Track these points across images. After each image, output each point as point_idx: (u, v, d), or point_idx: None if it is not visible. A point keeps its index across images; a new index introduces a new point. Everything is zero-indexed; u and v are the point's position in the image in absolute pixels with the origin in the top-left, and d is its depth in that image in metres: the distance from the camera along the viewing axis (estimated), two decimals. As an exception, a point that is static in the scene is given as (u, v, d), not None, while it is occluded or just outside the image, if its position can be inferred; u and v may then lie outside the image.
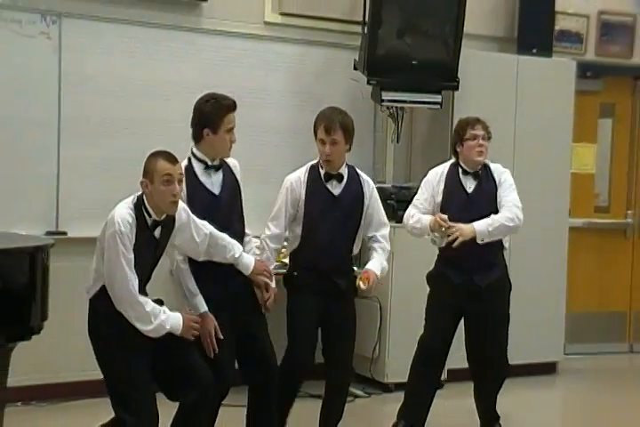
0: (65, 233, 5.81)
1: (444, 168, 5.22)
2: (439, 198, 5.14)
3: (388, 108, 6.61)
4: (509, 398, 6.08)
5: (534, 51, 7.17)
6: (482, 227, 4.92)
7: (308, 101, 6.53)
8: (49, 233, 5.72)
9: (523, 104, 6.96)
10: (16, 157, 5.74)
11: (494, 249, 5.10)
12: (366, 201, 4.76)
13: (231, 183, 4.50)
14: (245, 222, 4.57)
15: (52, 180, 5.85)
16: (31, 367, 5.43)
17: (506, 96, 6.89)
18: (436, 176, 5.20)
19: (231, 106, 4.42)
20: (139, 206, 4.04)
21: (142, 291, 4.06)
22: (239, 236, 4.43)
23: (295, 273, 4.77)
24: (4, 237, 4.46)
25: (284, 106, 6.51)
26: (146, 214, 4.05)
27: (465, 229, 4.88)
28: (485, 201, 5.09)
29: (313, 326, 4.74)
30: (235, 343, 4.50)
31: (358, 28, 6.56)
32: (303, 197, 4.67)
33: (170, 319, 4.05)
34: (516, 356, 6.76)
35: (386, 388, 6.22)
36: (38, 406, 5.76)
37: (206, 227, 4.25)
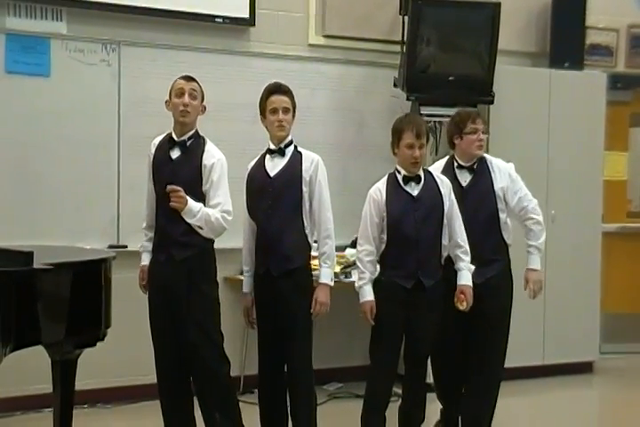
0: (125, 246, 5.99)
1: (439, 165, 5.15)
2: None
3: (426, 122, 6.43)
4: (546, 397, 6.23)
5: (566, 64, 7.26)
6: (538, 263, 5.03)
7: (351, 118, 6.79)
8: (111, 247, 5.92)
9: (556, 116, 7.05)
10: (79, 175, 5.94)
11: (492, 244, 4.97)
12: (446, 202, 4.69)
13: (291, 171, 4.70)
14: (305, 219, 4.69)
15: (112, 197, 6.04)
16: (96, 372, 5.60)
17: (539, 108, 6.99)
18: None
19: (271, 89, 4.76)
20: (171, 131, 4.66)
21: (163, 212, 4.52)
22: (293, 223, 4.66)
23: None
24: (72, 252, 4.68)
25: (329, 122, 6.70)
26: (172, 135, 4.63)
27: (537, 281, 5.02)
28: (480, 195, 4.98)
29: None
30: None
31: (397, 48, 6.71)
32: (384, 204, 4.66)
33: (142, 255, 4.77)
34: (553, 355, 7.02)
35: (428, 387, 6.22)
36: (103, 408, 5.95)
37: (225, 211, 4.54)
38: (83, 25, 5.94)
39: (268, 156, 4.77)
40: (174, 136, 4.63)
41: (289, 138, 4.78)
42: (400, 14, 6.71)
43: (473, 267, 4.76)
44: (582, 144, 7.17)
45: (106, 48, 5.99)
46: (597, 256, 7.30)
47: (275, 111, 4.70)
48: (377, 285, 4.70)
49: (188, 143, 4.61)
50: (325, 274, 4.70)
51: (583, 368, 7.30)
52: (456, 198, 4.83)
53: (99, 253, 4.55)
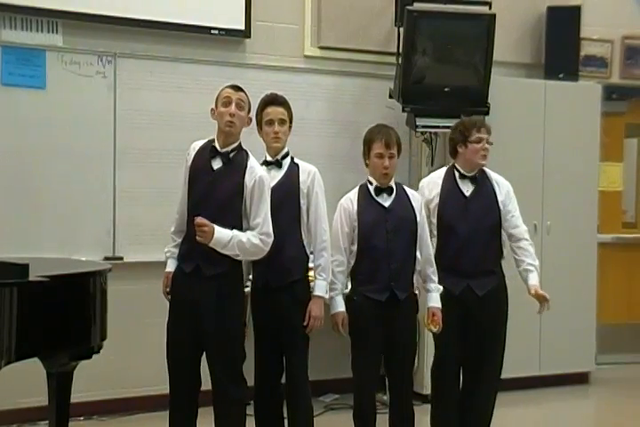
0: (121, 258, 5.98)
1: (438, 174, 5.07)
2: (434, 204, 4.97)
3: (422, 133, 6.73)
4: (542, 408, 6.22)
5: (561, 76, 7.28)
6: (537, 279, 4.91)
7: (346, 129, 6.77)
8: (106, 258, 5.92)
9: (551, 126, 7.07)
10: (75, 187, 5.92)
11: (493, 255, 4.96)
12: (418, 216, 4.71)
13: (288, 183, 4.69)
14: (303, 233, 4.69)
15: (108, 208, 6.00)
16: (92, 384, 5.59)
17: (534, 119, 7.01)
18: (430, 182, 5.06)
19: (267, 100, 4.73)
20: (214, 138, 4.48)
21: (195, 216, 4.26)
22: (292, 236, 4.65)
23: None
24: (67, 263, 4.66)
25: (324, 133, 6.71)
26: (215, 144, 4.43)
27: (543, 295, 4.84)
28: (484, 205, 4.94)
29: None
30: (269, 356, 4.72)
31: (392, 59, 6.70)
32: (355, 214, 4.67)
33: (168, 261, 4.56)
34: (548, 366, 7.01)
35: (425, 399, 6.02)
36: (99, 421, 5.89)
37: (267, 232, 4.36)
38: (78, 37, 5.94)
39: (264, 168, 4.75)
40: (217, 146, 4.41)
41: (285, 149, 4.78)
42: (395, 26, 6.73)
43: (441, 288, 4.79)
44: (577, 155, 7.18)
45: (101, 60, 5.99)
46: (593, 267, 7.30)
47: (271, 122, 4.70)
48: (349, 304, 4.71)
49: (231, 155, 4.40)
50: (320, 287, 4.68)
51: (579, 379, 7.30)
52: (459, 208, 4.91)
53: (94, 265, 4.49)
